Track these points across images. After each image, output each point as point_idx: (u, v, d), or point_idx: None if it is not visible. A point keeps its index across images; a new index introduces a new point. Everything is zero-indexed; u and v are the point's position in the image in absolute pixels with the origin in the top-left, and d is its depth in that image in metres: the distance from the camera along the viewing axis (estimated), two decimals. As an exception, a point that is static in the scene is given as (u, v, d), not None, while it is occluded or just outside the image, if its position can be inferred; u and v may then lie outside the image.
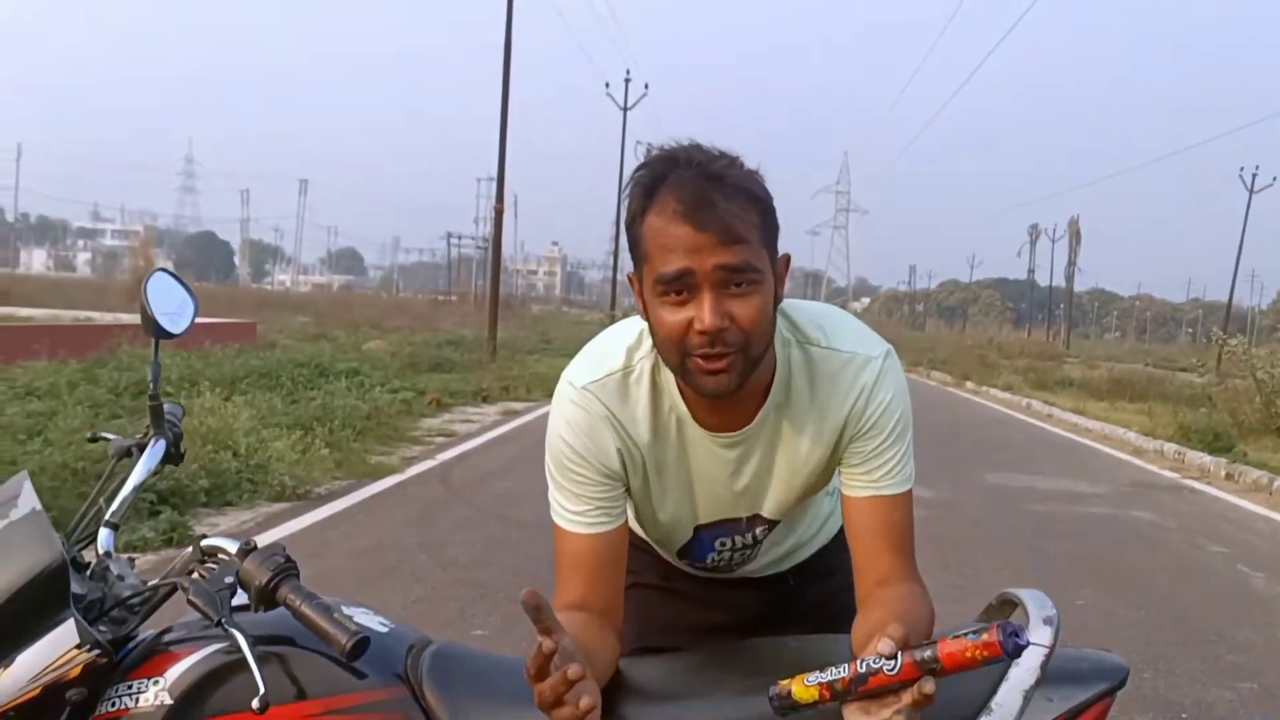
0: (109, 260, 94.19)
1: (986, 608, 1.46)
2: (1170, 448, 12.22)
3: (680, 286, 1.28)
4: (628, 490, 1.47)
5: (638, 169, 1.34)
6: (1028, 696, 1.26)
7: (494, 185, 20.71)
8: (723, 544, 1.58)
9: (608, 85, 40.24)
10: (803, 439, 1.45)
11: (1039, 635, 1.29)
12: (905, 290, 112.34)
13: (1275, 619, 5.30)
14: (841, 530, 1.65)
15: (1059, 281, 67.68)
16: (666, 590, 1.71)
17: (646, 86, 40.65)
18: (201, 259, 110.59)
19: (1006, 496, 8.64)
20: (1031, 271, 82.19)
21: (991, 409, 18.65)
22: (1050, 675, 1.29)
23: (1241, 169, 49.08)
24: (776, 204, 1.36)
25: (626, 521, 1.47)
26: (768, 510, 1.53)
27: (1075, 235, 63.12)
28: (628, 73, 40.49)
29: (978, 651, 1.07)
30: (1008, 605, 1.42)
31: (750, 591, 1.72)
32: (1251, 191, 48.49)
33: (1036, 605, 1.34)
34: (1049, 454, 12.06)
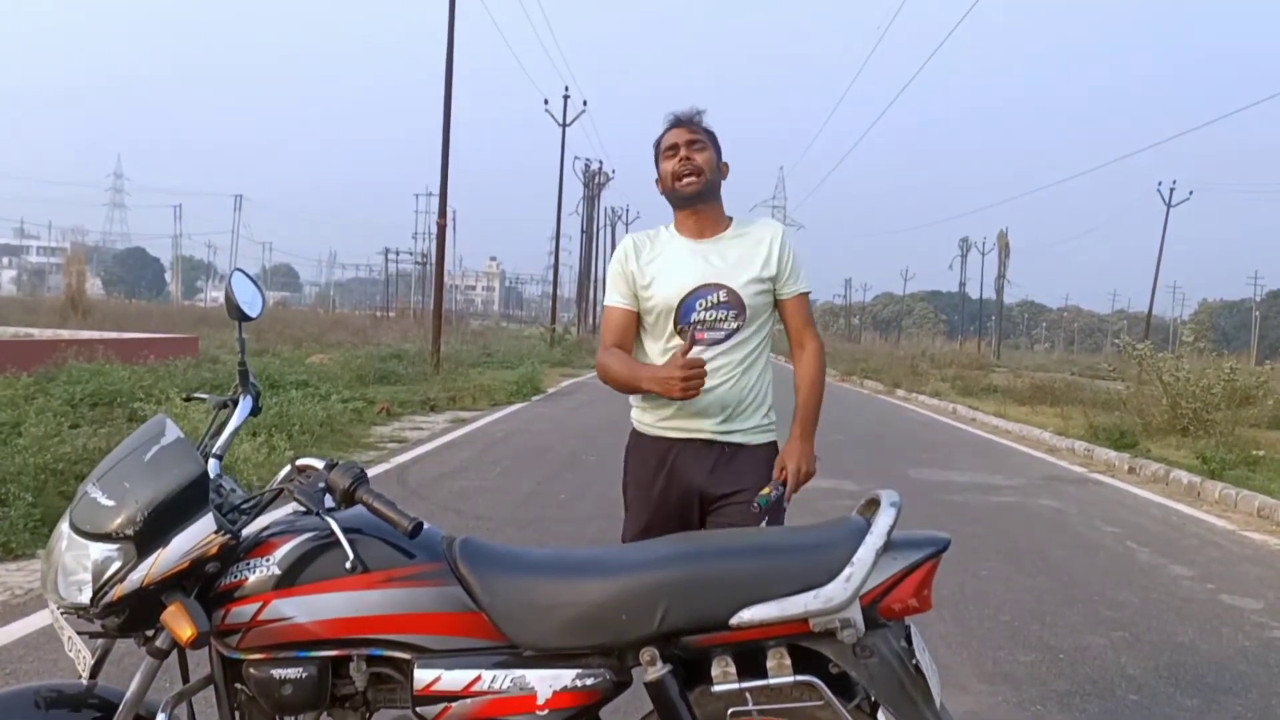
0: (35, 277, 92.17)
1: (859, 505, 2.04)
2: (1081, 445, 13.07)
3: (672, 151, 2.83)
4: (646, 286, 2.82)
5: (663, 125, 2.88)
6: (878, 554, 1.83)
7: (432, 201, 21.17)
8: (701, 303, 2.76)
9: (546, 102, 40.71)
10: (747, 245, 2.84)
11: (887, 515, 1.87)
12: (841, 304, 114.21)
13: (1153, 583, 6.00)
14: (761, 445, 2.82)
15: (989, 294, 69.67)
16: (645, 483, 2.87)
17: (585, 103, 41.25)
18: (131, 276, 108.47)
19: (926, 489, 9.33)
20: (963, 284, 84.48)
21: (919, 413, 19.47)
22: (894, 543, 1.87)
23: (1159, 183, 51.24)
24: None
25: (638, 311, 2.83)
26: (727, 281, 2.77)
27: (1004, 248, 64.97)
28: (566, 89, 41.21)
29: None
30: (873, 503, 1.99)
31: (698, 458, 2.77)
32: (1169, 205, 50.59)
33: (888, 497, 1.93)
34: (969, 453, 12.82)
